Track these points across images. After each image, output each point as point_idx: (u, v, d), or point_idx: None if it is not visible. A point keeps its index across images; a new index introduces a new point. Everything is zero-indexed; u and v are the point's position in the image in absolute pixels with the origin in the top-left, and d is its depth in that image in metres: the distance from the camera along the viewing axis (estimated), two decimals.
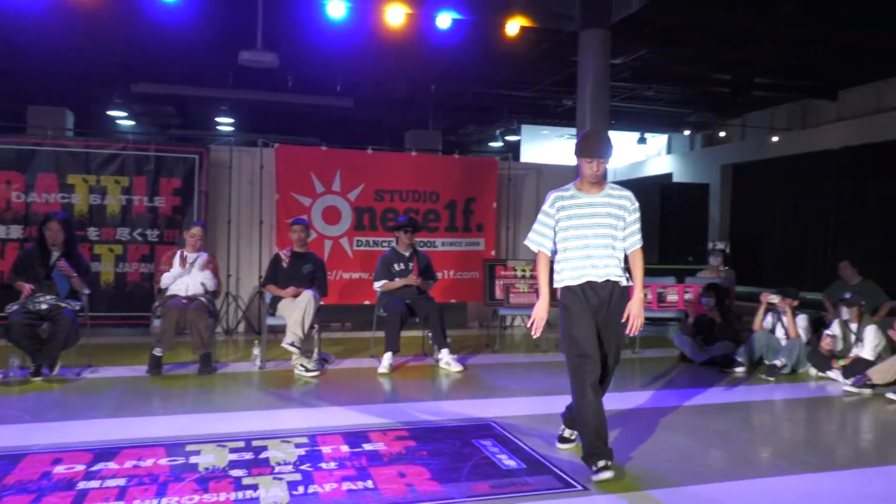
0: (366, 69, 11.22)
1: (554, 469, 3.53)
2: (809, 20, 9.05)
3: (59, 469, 3.40)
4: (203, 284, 5.90)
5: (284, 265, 6.17)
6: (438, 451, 3.78)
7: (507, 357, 6.97)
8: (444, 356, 6.15)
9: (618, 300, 3.59)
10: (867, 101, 11.92)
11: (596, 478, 3.34)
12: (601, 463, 3.38)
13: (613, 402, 5.09)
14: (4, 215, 7.24)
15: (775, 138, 13.89)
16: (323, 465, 3.54)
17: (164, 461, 3.54)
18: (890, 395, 5.30)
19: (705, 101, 13.71)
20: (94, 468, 3.42)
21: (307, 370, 5.76)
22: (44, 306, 5.37)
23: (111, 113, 14.23)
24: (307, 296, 5.87)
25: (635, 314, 3.59)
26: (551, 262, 3.68)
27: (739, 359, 6.36)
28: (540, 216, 3.69)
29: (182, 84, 11.89)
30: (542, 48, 10.07)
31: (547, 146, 16.17)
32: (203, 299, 5.83)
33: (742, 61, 11.14)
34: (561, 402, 4.97)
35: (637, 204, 3.67)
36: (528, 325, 3.68)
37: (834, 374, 6.03)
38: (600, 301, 3.56)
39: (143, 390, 5.17)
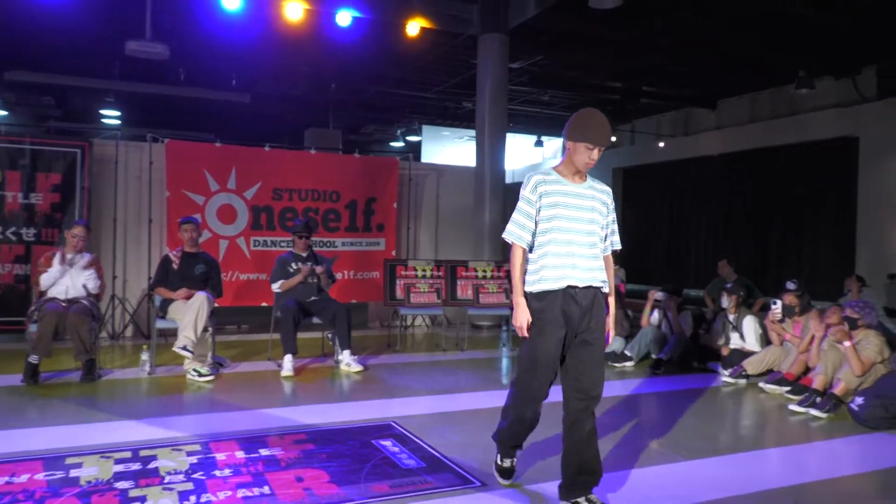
0: (263, 64, 10.95)
1: (453, 466, 3.58)
2: (689, 35, 9.63)
3: None
4: (85, 286, 5.55)
5: (175, 266, 5.91)
6: (338, 454, 3.74)
7: (409, 357, 6.99)
8: (346, 357, 6.09)
9: (598, 311, 3.09)
10: (742, 111, 12.81)
11: (499, 478, 3.37)
12: (507, 463, 3.37)
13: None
14: None
15: (661, 144, 14.66)
16: (217, 472, 3.42)
17: (40, 476, 3.31)
18: (762, 385, 5.71)
19: (598, 107, 14.28)
20: None
21: (200, 375, 5.54)
22: None
23: None
24: (200, 297, 5.65)
25: (611, 326, 3.19)
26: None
27: (629, 353, 6.66)
28: (520, 203, 3.09)
29: (63, 73, 11.15)
30: (442, 50, 10.17)
31: (448, 147, 16.34)
32: (85, 302, 5.49)
33: (630, 70, 11.70)
34: (460, 400, 5.08)
35: (614, 202, 3.26)
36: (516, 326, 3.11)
37: (713, 365, 6.44)
38: (581, 311, 3.03)
39: (18, 401, 4.81)
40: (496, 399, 5.14)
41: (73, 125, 14.30)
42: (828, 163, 11.36)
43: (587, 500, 3.07)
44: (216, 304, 6.00)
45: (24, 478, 3.28)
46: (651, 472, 3.62)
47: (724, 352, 6.34)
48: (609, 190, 3.22)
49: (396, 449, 3.85)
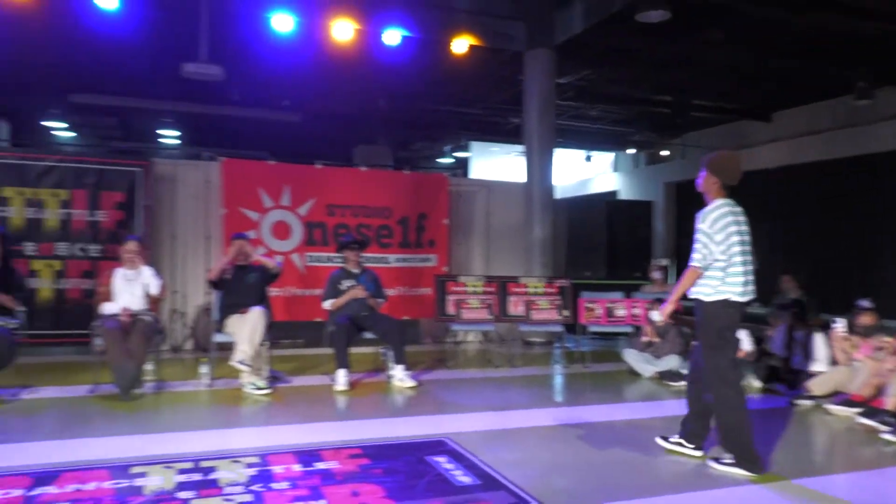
0: (314, 84, 11.16)
1: (508, 485, 3.53)
2: (741, 47, 9.45)
3: None
4: (147, 293, 5.71)
5: (228, 276, 6.04)
6: (393, 469, 3.74)
7: (461, 373, 6.96)
8: (399, 372, 6.11)
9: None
10: (799, 123, 12.48)
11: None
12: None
13: (568, 416, 5.15)
14: None
15: None
16: (274, 485, 3.46)
17: (107, 484, 3.41)
18: (828, 407, 5.48)
19: (647, 121, 14.12)
20: (34, 493, 3.27)
21: (257, 388, 5.63)
22: None
23: (49, 124, 13.74)
24: (256, 312, 5.75)
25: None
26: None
27: (685, 372, 6.50)
28: None
29: (124, 95, 11.58)
30: (488, 66, 10.21)
31: (496, 162, 16.34)
32: (147, 317, 5.62)
33: (680, 84, 11.53)
34: (514, 418, 5.03)
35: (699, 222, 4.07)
36: None
37: (778, 386, 6.21)
38: None
39: (85, 411, 4.97)
40: (549, 417, 5.09)
41: (134, 145, 14.82)
42: (893, 175, 10.94)
43: None
44: (272, 319, 6.09)
45: (91, 485, 3.38)
46: (716, 494, 3.51)
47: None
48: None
49: (451, 466, 3.83)
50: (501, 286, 7.57)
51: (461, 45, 8.53)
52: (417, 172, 9.58)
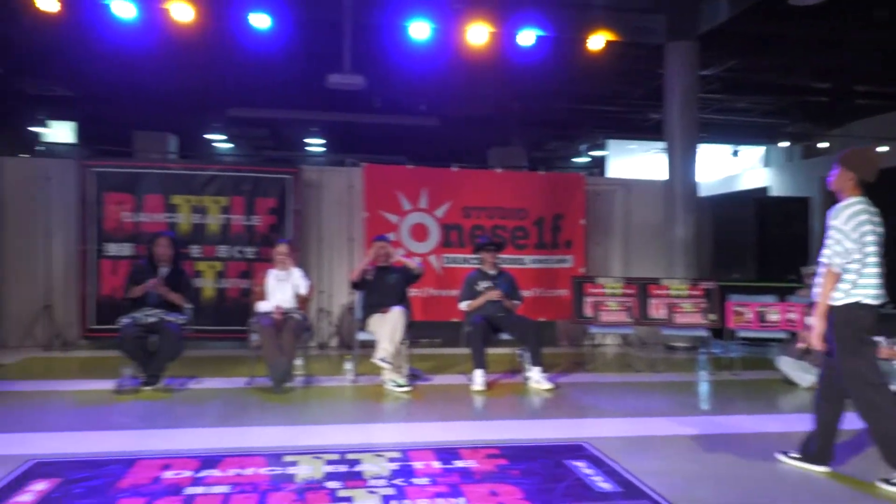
0: (450, 88, 11.38)
1: (651, 494, 3.41)
2: None
3: (169, 474, 3.57)
4: (296, 293, 6.07)
5: (369, 277, 6.29)
6: (530, 471, 3.73)
7: (599, 376, 6.81)
8: (535, 374, 6.08)
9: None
10: None
11: None
12: None
13: (714, 426, 4.90)
14: (116, 234, 7.72)
15: (884, 148, 13.07)
16: (415, 480, 3.55)
17: (263, 470, 3.66)
18: None
19: (802, 111, 13.14)
20: (200, 475, 3.57)
21: (398, 385, 5.82)
22: (152, 319, 5.66)
23: (210, 136, 15.01)
24: (396, 312, 5.95)
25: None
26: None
27: None
28: None
29: (275, 107, 12.42)
30: (625, 62, 9.94)
31: (634, 160, 15.86)
32: (297, 316, 5.98)
33: (840, 69, 10.63)
34: (655, 425, 4.84)
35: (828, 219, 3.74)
36: None
37: None
38: None
39: (243, 401, 5.37)
40: (695, 426, 4.86)
41: (284, 153, 15.85)
42: None
43: None
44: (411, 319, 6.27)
45: (250, 471, 3.64)
46: None
47: None
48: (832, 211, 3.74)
49: (590, 471, 3.76)
50: (642, 288, 7.33)
51: (598, 41, 8.36)
52: (553, 173, 9.48)
